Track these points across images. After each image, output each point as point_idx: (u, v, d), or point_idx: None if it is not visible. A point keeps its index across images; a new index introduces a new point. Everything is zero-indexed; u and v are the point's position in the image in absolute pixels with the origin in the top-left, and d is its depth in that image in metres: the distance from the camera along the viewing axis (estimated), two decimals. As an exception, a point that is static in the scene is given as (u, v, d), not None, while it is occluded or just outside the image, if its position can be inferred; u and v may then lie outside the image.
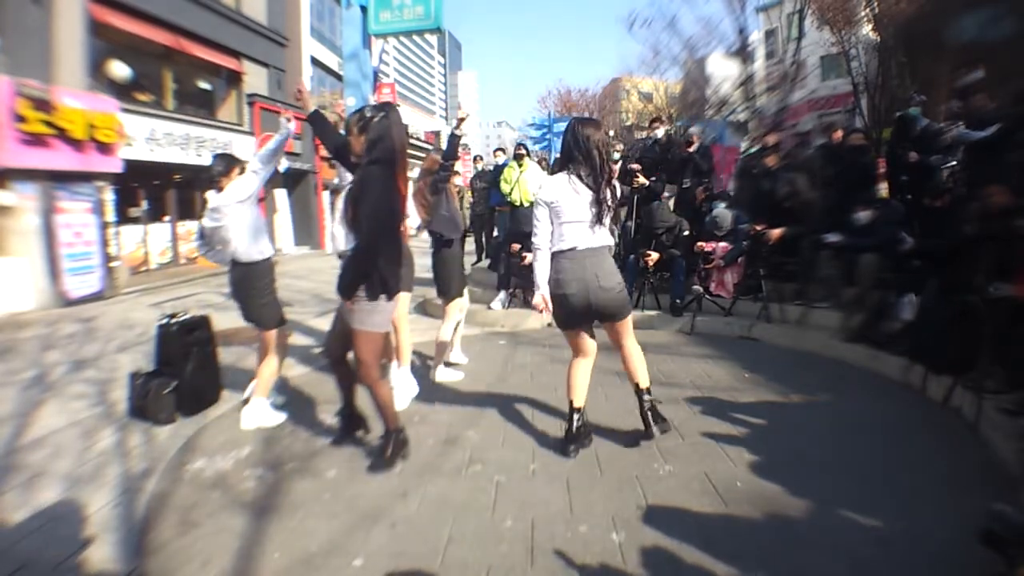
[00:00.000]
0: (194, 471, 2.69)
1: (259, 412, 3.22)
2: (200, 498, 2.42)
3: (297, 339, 5.39)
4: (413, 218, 3.65)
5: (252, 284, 3.18)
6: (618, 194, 2.75)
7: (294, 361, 4.53)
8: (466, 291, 4.13)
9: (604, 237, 2.61)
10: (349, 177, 2.99)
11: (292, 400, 3.59)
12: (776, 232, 5.01)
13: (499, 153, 8.64)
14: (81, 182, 8.23)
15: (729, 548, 1.95)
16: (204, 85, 13.02)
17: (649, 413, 2.72)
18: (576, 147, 2.55)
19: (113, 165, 8.67)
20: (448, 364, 4.07)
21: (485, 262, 8.11)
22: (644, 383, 2.75)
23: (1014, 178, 3.38)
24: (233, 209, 3.10)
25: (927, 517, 2.12)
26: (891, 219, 4.62)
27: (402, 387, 3.48)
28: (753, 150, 7.25)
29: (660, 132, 6.67)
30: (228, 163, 3.26)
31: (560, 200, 2.54)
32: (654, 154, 6.42)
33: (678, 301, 5.37)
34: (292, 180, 15.78)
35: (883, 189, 5.91)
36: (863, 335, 4.14)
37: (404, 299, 3.46)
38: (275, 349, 3.28)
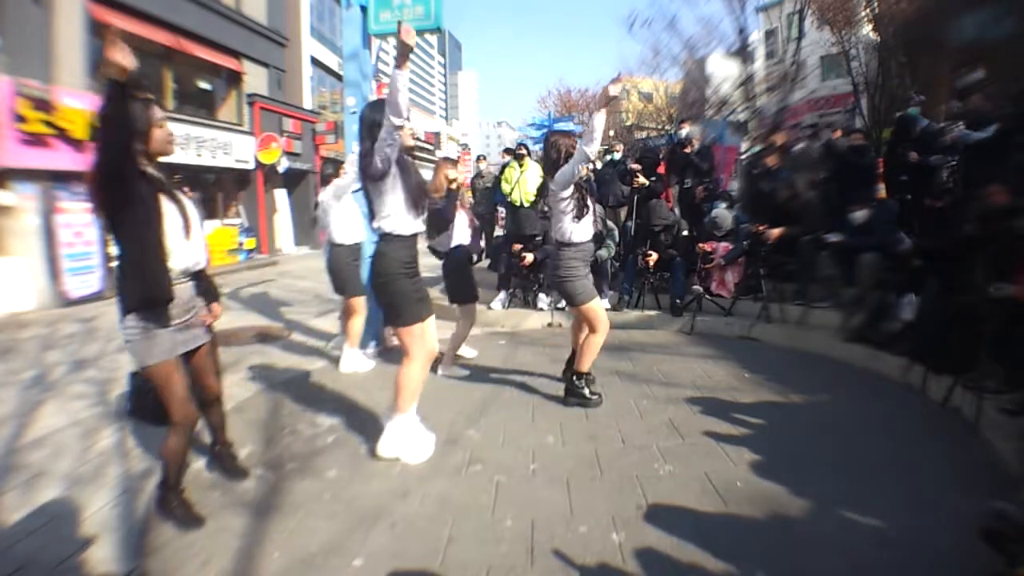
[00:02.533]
0: (194, 471, 2.69)
1: (353, 359, 4.16)
2: (200, 498, 2.41)
3: (297, 339, 5.39)
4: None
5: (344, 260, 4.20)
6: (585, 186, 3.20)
7: (295, 362, 4.54)
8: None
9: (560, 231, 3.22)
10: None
11: (292, 400, 3.59)
12: (776, 231, 5.01)
13: (509, 154, 8.63)
14: (81, 182, 8.23)
15: (729, 548, 1.95)
16: (204, 85, 13.02)
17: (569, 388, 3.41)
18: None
19: (113, 165, 8.66)
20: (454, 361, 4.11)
21: (485, 262, 8.10)
22: (580, 368, 3.35)
23: (1013, 178, 3.37)
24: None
25: (927, 517, 2.12)
26: (885, 218, 4.62)
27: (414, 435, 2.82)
28: (755, 150, 7.30)
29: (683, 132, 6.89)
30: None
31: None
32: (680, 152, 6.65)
33: (678, 301, 5.37)
34: (292, 180, 15.78)
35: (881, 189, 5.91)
36: (863, 335, 4.14)
37: (431, 326, 2.79)
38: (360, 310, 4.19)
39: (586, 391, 3.34)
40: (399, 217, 2.58)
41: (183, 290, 2.13)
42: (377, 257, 2.62)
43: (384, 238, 2.61)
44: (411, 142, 2.69)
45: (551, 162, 3.22)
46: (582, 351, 3.33)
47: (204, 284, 2.28)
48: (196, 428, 2.31)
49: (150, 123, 2.07)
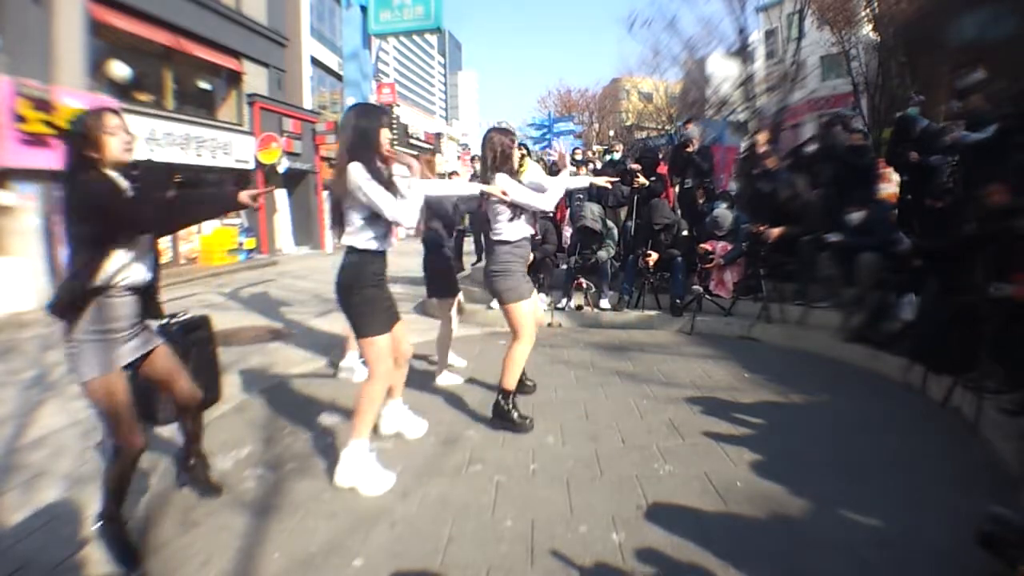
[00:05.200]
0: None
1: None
2: (200, 498, 2.41)
3: (297, 338, 5.39)
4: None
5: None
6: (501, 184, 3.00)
7: (294, 362, 4.54)
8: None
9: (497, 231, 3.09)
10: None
11: (292, 400, 3.59)
12: (776, 231, 5.01)
13: None
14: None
15: (729, 548, 1.95)
16: (204, 85, 13.04)
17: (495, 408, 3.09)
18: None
19: (113, 165, 8.67)
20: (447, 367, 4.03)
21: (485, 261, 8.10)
22: (505, 385, 3.04)
23: (1013, 178, 3.37)
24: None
25: (927, 517, 2.11)
26: (880, 218, 4.61)
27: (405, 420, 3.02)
28: (745, 149, 7.36)
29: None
30: None
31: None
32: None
33: (678, 301, 5.37)
34: (292, 180, 15.78)
35: (891, 189, 5.93)
36: (863, 335, 4.14)
37: (401, 332, 2.77)
38: None
39: (514, 414, 3.02)
40: (375, 234, 2.46)
41: (125, 305, 1.99)
42: (347, 268, 2.50)
43: (356, 252, 2.48)
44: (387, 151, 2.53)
45: (486, 160, 3.04)
46: (505, 364, 3.03)
47: (151, 302, 2.15)
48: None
49: (102, 131, 1.93)
